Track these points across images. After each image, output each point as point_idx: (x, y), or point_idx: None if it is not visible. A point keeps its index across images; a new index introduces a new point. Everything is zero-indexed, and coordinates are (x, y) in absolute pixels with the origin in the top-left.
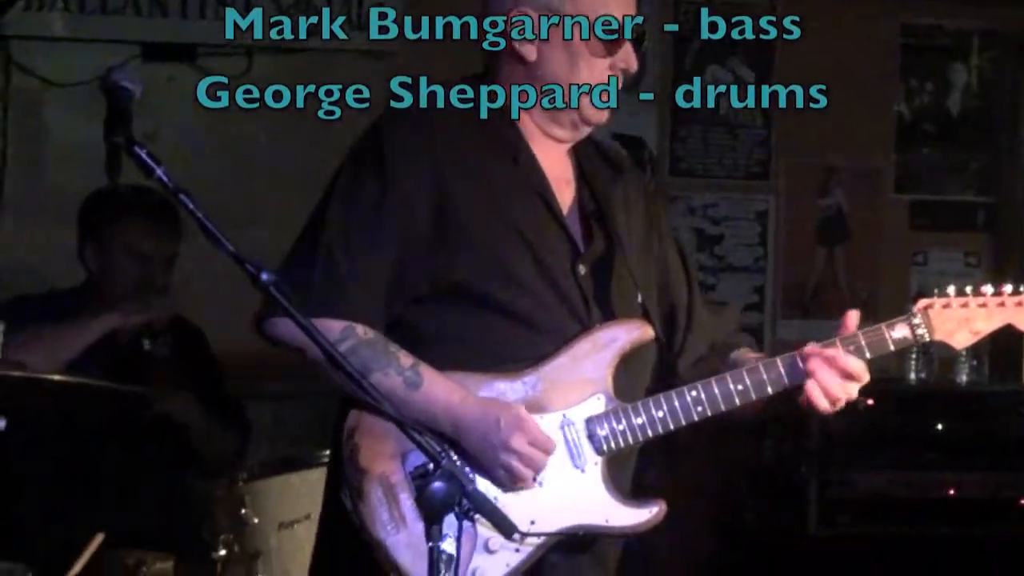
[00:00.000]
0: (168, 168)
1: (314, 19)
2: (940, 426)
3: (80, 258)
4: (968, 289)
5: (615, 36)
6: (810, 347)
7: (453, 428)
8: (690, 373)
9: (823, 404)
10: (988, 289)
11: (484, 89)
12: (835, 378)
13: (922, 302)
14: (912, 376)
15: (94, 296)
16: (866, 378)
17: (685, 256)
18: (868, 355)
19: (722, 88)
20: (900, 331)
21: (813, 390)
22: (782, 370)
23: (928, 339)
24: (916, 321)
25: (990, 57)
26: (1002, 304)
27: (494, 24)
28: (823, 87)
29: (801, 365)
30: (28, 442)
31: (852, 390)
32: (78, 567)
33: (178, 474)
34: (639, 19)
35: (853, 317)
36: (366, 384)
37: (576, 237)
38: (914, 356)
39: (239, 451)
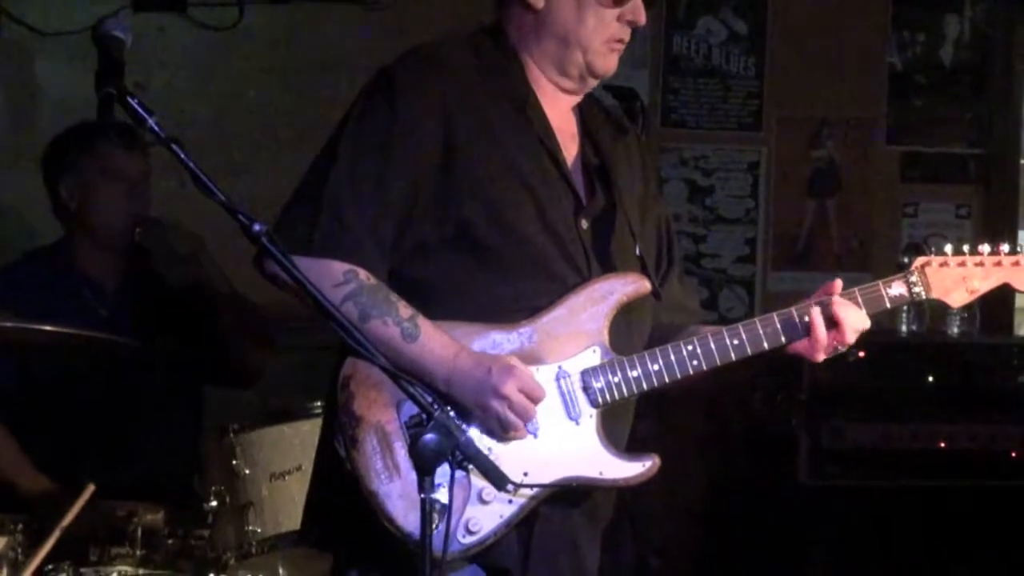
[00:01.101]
0: (159, 119)
1: None
2: (931, 378)
3: (56, 204)
4: (965, 248)
5: None
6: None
7: (446, 381)
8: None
9: (819, 355)
10: (985, 248)
11: (491, 41)
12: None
13: (919, 260)
14: (903, 328)
15: (78, 239)
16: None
17: (670, 226)
18: (864, 312)
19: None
20: (897, 288)
21: (817, 341)
22: (778, 326)
23: (924, 297)
24: (913, 279)
25: (983, 8)
26: (999, 264)
27: None
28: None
29: (797, 320)
30: (21, 393)
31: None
32: (69, 518)
33: (171, 423)
34: None
35: (838, 285)
36: (358, 336)
37: (579, 191)
38: (906, 308)
39: (268, 345)
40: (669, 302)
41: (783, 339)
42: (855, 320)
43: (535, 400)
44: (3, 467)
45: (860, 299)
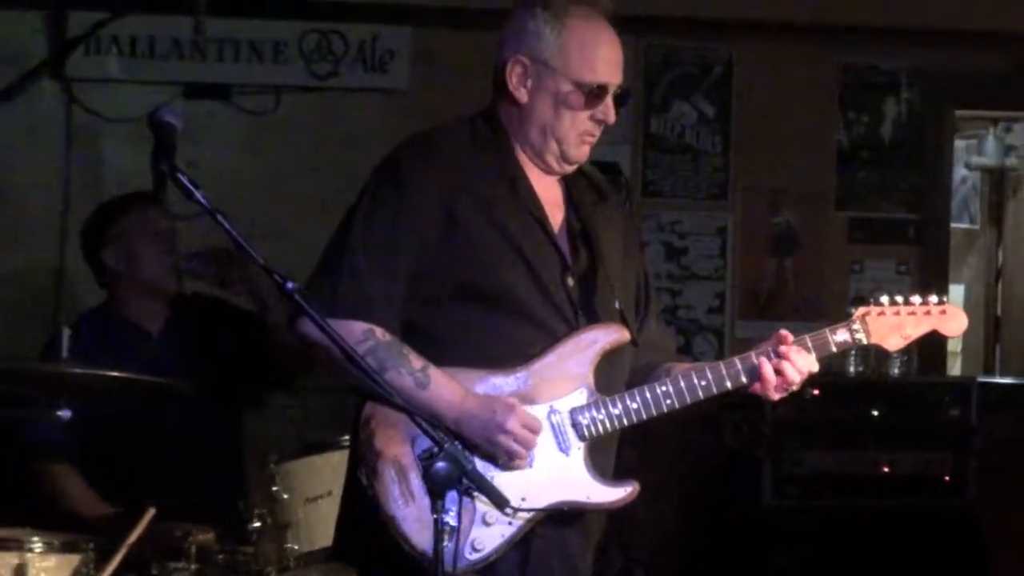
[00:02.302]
0: (206, 192)
1: (333, 63)
2: (875, 412)
3: (100, 274)
4: (899, 299)
5: (597, 95)
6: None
7: (455, 422)
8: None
9: (772, 395)
10: (916, 299)
11: (486, 125)
12: (792, 371)
13: (860, 310)
14: (851, 370)
15: (123, 299)
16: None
17: (648, 279)
18: (814, 356)
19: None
20: (841, 335)
21: (766, 383)
22: (739, 368)
23: (865, 342)
24: (855, 327)
25: (918, 92)
26: (928, 312)
27: (496, 69)
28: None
29: (756, 363)
30: (89, 430)
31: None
32: (133, 538)
33: (221, 455)
34: (623, 85)
35: (787, 336)
36: (378, 378)
37: (565, 253)
38: (853, 352)
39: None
40: (648, 344)
41: (744, 380)
42: (801, 364)
43: (535, 432)
44: (72, 500)
45: (809, 344)
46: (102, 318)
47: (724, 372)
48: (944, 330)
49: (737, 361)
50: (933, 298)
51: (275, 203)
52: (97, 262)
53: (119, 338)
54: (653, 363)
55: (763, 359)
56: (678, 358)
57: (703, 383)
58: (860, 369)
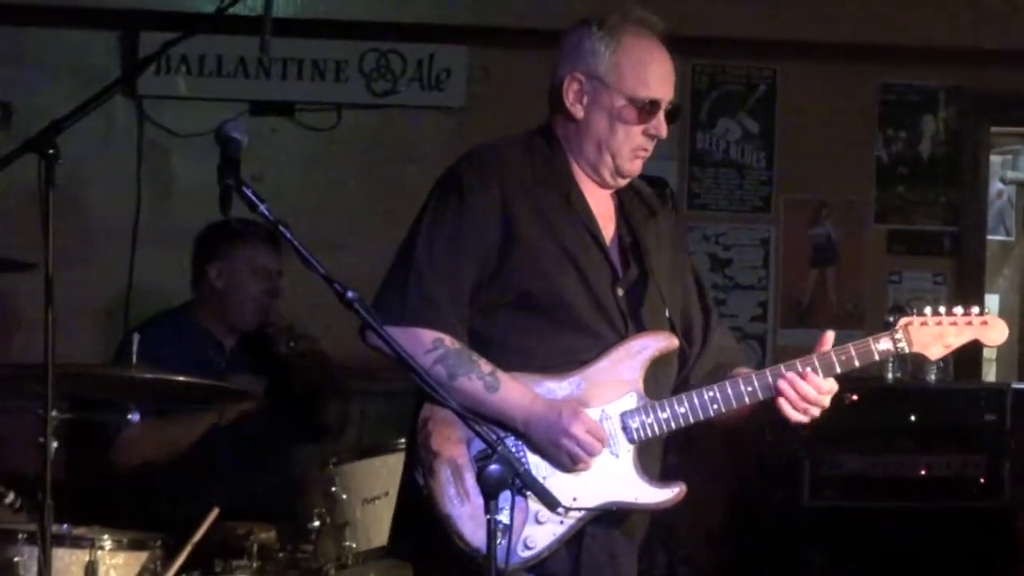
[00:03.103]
0: (270, 204)
1: (392, 81)
2: (913, 417)
3: (199, 279)
4: (942, 309)
5: (650, 111)
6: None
7: (524, 424)
8: (699, 384)
9: (793, 415)
10: (959, 310)
11: (543, 140)
12: (805, 395)
13: (903, 320)
14: (889, 376)
15: (208, 309)
16: (832, 388)
17: (703, 285)
18: (857, 364)
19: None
20: (885, 344)
21: (783, 405)
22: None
23: (907, 351)
24: (898, 336)
25: (955, 110)
26: (969, 323)
27: (553, 86)
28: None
29: (800, 370)
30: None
31: (814, 410)
32: (198, 536)
33: (281, 459)
34: (675, 101)
35: (829, 337)
36: (435, 385)
37: (616, 265)
38: (891, 359)
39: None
40: (717, 346)
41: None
42: (821, 385)
43: (599, 438)
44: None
45: (853, 352)
46: (180, 320)
47: (769, 380)
48: (985, 340)
49: (783, 369)
50: (975, 309)
51: (335, 216)
52: (200, 268)
53: (193, 342)
54: (722, 363)
55: (782, 384)
56: (740, 355)
57: (749, 389)
58: (898, 375)
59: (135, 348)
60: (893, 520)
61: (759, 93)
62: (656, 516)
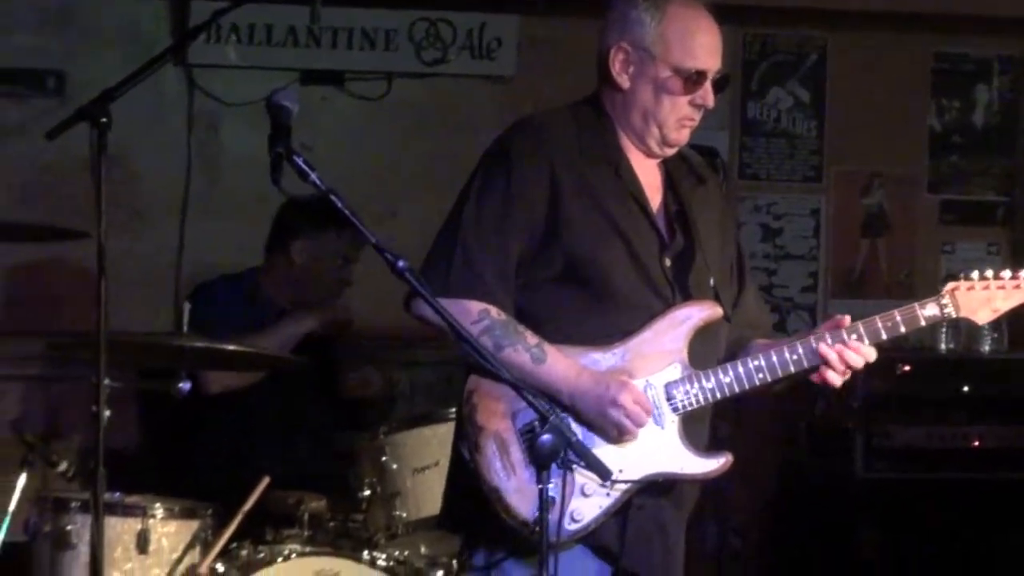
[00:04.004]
0: (320, 173)
1: (442, 50)
2: (966, 388)
3: (277, 249)
4: (989, 273)
5: (696, 81)
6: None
7: (570, 396)
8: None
9: (835, 381)
10: (1007, 273)
11: (590, 110)
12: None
13: (949, 284)
14: (943, 346)
15: (278, 278)
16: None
17: (743, 257)
18: (903, 330)
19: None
20: (931, 309)
21: (827, 371)
22: (829, 341)
23: (954, 316)
24: (944, 301)
25: (1008, 79)
26: (1018, 286)
27: (600, 56)
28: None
29: (844, 339)
30: (209, 402)
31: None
32: (249, 504)
33: (331, 429)
34: (722, 70)
35: (846, 320)
36: (488, 355)
37: (663, 233)
38: (944, 329)
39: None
40: (744, 320)
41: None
42: (868, 353)
43: (646, 409)
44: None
45: (899, 319)
46: (245, 285)
47: (815, 347)
48: None
49: (828, 336)
50: (1023, 272)
51: (385, 185)
52: (282, 238)
53: (256, 308)
54: (746, 338)
55: (837, 345)
56: (773, 335)
57: (794, 357)
58: (951, 346)
59: (185, 317)
60: (946, 492)
61: (810, 62)
62: (707, 487)
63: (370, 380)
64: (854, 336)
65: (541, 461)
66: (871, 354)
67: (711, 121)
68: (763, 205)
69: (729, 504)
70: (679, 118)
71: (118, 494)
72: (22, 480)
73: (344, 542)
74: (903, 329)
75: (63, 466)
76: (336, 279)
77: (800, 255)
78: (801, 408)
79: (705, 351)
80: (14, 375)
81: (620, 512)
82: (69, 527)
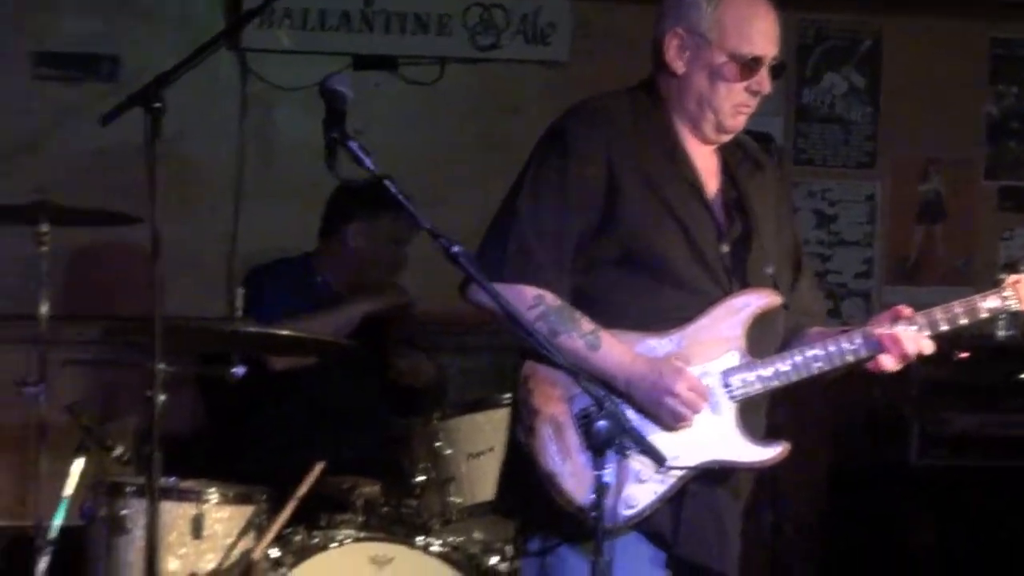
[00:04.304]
0: (374, 158)
1: (496, 35)
2: (1022, 375)
3: (331, 233)
4: None
5: (752, 67)
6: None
7: (625, 383)
8: None
9: (891, 368)
10: None
11: (645, 95)
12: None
13: (1012, 277)
14: (1000, 333)
15: (332, 263)
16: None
17: (799, 244)
18: (963, 322)
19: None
20: (992, 302)
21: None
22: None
23: (1015, 308)
24: (1007, 293)
25: None
26: None
27: (655, 42)
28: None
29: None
30: (264, 387)
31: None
32: (303, 490)
33: (385, 414)
34: (779, 57)
35: (905, 311)
36: (544, 341)
37: (720, 220)
38: (1002, 317)
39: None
40: (798, 307)
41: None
42: (925, 345)
43: (701, 396)
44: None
45: (959, 310)
46: (299, 269)
47: (873, 336)
48: None
49: (887, 326)
50: None
51: (438, 171)
52: (336, 222)
53: (311, 292)
54: (801, 326)
55: (895, 334)
56: (828, 322)
57: (852, 347)
58: (1009, 333)
59: (239, 302)
60: (1001, 479)
61: (865, 48)
62: (762, 473)
63: (420, 368)
64: (913, 327)
65: (597, 447)
66: (929, 347)
67: (766, 107)
68: (817, 191)
69: (782, 491)
70: (735, 104)
71: (173, 479)
72: (78, 465)
73: (398, 528)
74: (963, 321)
75: (118, 451)
76: (391, 261)
77: (855, 241)
78: (856, 396)
79: (763, 339)
80: (70, 359)
81: (675, 499)
82: (124, 512)
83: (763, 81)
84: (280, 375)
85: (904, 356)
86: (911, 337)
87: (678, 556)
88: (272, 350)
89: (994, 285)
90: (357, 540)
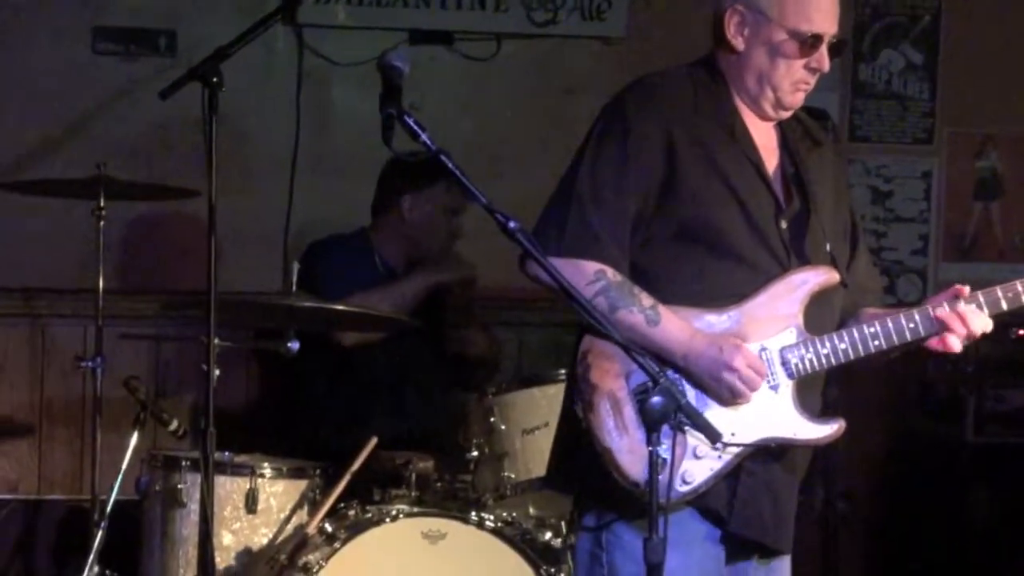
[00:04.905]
0: (430, 134)
1: (552, 11)
2: None
3: (387, 207)
4: None
5: (812, 45)
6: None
7: (684, 358)
8: None
9: (955, 348)
10: None
11: (705, 72)
12: (972, 333)
13: None
14: None
15: (389, 236)
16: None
17: (856, 223)
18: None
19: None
20: None
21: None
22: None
23: None
24: None
25: None
26: None
27: (716, 18)
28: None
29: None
30: (319, 362)
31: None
32: (356, 465)
33: (440, 389)
34: (838, 35)
35: (965, 291)
36: (599, 316)
37: (779, 196)
38: None
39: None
40: (855, 284)
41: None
42: (986, 324)
43: (759, 373)
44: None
45: (1021, 289)
46: (356, 244)
47: (932, 315)
48: None
49: (947, 305)
50: None
51: (493, 146)
52: (390, 196)
53: (368, 267)
54: (858, 303)
55: (957, 312)
56: (884, 299)
57: (911, 325)
58: None
59: (294, 277)
60: None
61: (923, 24)
62: (817, 452)
63: (475, 339)
64: (973, 305)
65: (651, 423)
66: (988, 324)
67: (822, 83)
68: (873, 168)
69: (836, 468)
70: (794, 81)
71: (227, 453)
72: (134, 439)
73: (451, 503)
74: None
75: (174, 425)
76: (447, 231)
77: (910, 218)
78: (911, 373)
79: (821, 316)
80: (127, 333)
81: (731, 475)
82: (180, 485)
83: (822, 59)
84: (335, 350)
85: (970, 335)
86: (976, 316)
87: (733, 533)
88: (328, 326)
89: None
90: (410, 515)
